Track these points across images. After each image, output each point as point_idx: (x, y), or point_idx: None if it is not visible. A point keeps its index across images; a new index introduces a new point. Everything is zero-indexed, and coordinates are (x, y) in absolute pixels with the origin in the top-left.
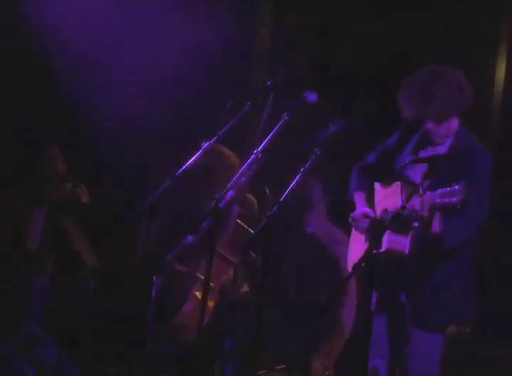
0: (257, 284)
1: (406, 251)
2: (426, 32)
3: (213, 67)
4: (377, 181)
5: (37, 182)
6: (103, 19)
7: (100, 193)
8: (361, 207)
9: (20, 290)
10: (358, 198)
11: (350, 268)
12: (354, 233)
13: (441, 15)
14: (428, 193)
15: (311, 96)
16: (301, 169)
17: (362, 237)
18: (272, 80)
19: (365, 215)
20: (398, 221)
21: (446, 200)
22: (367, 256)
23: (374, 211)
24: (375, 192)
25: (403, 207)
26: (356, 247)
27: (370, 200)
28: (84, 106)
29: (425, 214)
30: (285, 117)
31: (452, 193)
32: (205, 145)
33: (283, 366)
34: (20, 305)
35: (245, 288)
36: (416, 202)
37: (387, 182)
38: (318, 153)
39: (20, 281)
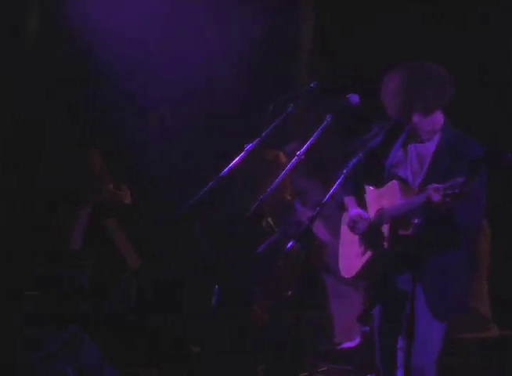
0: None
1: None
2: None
3: (255, 67)
4: (365, 182)
5: (79, 184)
6: (146, 21)
7: (143, 194)
8: (354, 209)
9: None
10: (350, 201)
11: (344, 270)
12: (344, 233)
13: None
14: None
15: (354, 98)
16: (344, 171)
17: (355, 239)
18: (315, 82)
19: (361, 217)
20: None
21: (457, 190)
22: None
23: (367, 212)
24: (366, 194)
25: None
26: (349, 250)
27: (360, 203)
28: (124, 107)
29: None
30: (327, 118)
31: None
32: (248, 147)
33: (325, 368)
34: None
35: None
36: (430, 192)
37: (378, 182)
38: (360, 155)
39: (63, 281)
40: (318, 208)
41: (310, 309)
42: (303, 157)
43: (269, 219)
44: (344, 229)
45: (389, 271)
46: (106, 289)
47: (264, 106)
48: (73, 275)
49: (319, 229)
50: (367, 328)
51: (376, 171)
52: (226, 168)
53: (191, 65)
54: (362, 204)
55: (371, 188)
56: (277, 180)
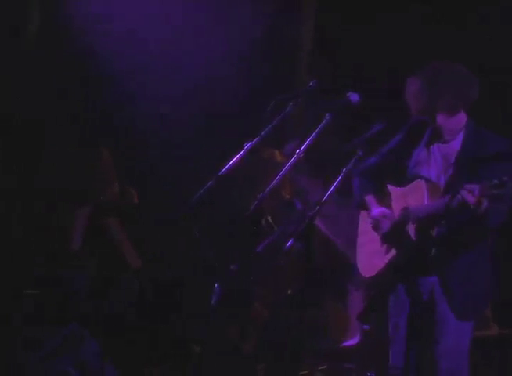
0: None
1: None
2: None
3: (255, 67)
4: (385, 181)
5: (86, 183)
6: (146, 21)
7: (143, 194)
8: (376, 208)
9: (63, 290)
10: (371, 200)
11: (364, 269)
12: (364, 232)
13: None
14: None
15: (354, 97)
16: (343, 170)
17: (376, 238)
18: (314, 81)
19: (384, 216)
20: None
21: (496, 191)
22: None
23: (391, 211)
24: (389, 192)
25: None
26: (370, 249)
27: (380, 202)
28: (124, 107)
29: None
30: (327, 117)
31: (503, 185)
32: (248, 145)
33: (325, 366)
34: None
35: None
36: (464, 194)
37: (400, 181)
38: (359, 153)
39: (63, 281)
40: (317, 207)
41: (310, 307)
42: (302, 156)
43: (269, 218)
44: (364, 227)
45: (414, 271)
46: (106, 289)
47: (264, 106)
48: (73, 275)
49: (320, 229)
50: (367, 326)
51: (397, 171)
52: (225, 167)
53: (191, 65)
54: (382, 203)
55: (394, 187)
56: (276, 179)
